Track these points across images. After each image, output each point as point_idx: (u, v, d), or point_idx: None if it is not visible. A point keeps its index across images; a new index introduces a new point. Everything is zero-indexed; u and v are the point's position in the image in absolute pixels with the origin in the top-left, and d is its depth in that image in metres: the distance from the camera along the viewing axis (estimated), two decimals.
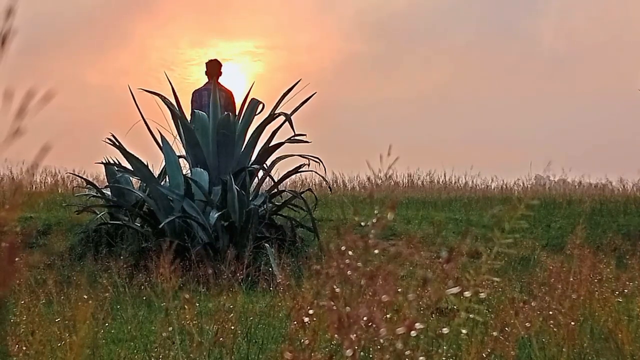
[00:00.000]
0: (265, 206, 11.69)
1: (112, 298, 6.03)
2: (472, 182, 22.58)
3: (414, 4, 31.99)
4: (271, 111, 12.07)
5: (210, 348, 3.82)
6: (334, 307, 1.39)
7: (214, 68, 12.44)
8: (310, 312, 2.10)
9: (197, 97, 12.39)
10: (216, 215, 10.99)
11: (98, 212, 12.73)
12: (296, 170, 12.46)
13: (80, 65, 30.06)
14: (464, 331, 2.20)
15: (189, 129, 11.89)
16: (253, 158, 12.19)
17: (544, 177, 23.06)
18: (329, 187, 14.24)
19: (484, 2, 32.95)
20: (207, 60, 12.58)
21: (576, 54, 31.87)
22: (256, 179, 12.39)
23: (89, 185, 13.48)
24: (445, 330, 2.01)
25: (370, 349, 1.52)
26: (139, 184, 12.92)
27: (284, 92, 12.12)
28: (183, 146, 12.10)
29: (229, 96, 12.36)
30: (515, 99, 31.35)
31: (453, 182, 22.56)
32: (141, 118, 11.77)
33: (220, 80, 12.43)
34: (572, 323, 3.57)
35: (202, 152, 11.90)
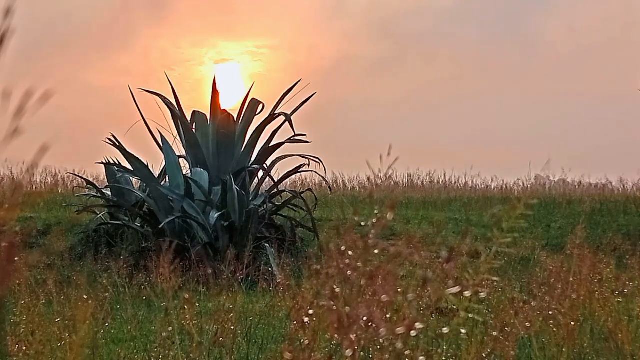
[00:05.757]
0: (265, 206, 11.69)
1: (112, 298, 6.03)
2: (472, 182, 22.58)
3: (415, 4, 32.01)
4: (271, 111, 12.08)
5: (210, 348, 3.82)
6: (334, 307, 1.39)
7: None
8: (310, 312, 2.10)
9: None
10: (216, 215, 10.99)
11: (98, 212, 12.73)
12: (296, 170, 12.46)
13: (82, 65, 30.09)
14: (463, 331, 2.21)
15: (189, 129, 11.89)
16: (253, 158, 12.19)
17: (544, 177, 23.04)
18: (329, 187, 14.24)
19: (484, 2, 32.97)
20: None
21: (576, 55, 31.88)
22: (256, 179, 12.40)
23: (89, 185, 13.48)
24: (445, 330, 2.01)
25: (370, 349, 1.52)
26: (139, 184, 12.93)
27: (284, 92, 12.13)
28: (183, 146, 12.11)
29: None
30: (515, 99, 31.36)
31: (453, 182, 22.54)
32: (141, 118, 11.78)
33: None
34: (572, 323, 3.57)
35: (202, 152, 11.90)
